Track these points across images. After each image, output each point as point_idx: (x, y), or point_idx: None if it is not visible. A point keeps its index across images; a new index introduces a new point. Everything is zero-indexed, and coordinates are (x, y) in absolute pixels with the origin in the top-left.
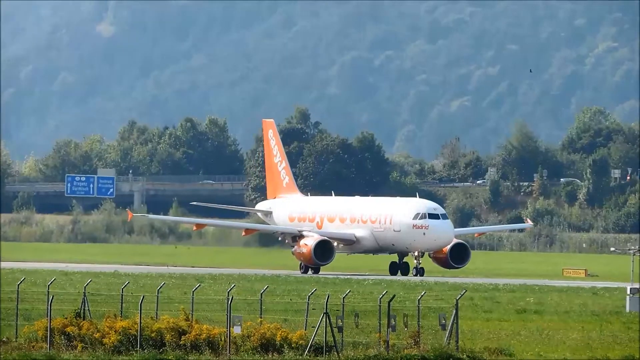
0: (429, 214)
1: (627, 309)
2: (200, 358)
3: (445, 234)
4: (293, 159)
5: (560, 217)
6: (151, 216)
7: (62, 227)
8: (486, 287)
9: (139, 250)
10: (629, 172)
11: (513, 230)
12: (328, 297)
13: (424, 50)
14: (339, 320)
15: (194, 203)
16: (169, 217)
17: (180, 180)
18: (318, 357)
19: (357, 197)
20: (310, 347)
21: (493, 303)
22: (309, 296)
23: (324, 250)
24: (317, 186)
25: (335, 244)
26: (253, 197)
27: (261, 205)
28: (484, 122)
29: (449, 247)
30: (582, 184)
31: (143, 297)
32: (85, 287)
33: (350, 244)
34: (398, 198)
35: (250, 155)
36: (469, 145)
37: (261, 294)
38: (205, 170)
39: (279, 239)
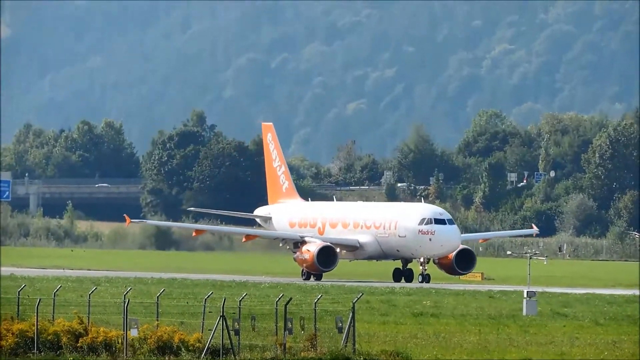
0: (435, 219)
1: (524, 313)
2: None
3: (452, 239)
4: (189, 163)
5: (456, 221)
6: (150, 222)
7: None
8: (382, 290)
9: (35, 253)
10: (525, 176)
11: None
12: (224, 300)
13: (320, 52)
14: (236, 323)
15: (191, 209)
16: (167, 223)
17: (76, 183)
18: None
19: (360, 202)
20: (207, 350)
21: (390, 306)
22: (205, 299)
23: (327, 256)
24: (213, 189)
25: (338, 250)
26: (149, 199)
27: (260, 211)
28: (381, 125)
29: (454, 252)
30: (478, 187)
31: (40, 300)
32: None
33: (354, 250)
34: (403, 203)
35: (146, 158)
36: (365, 148)
37: (157, 297)
38: (102, 174)
39: (280, 245)
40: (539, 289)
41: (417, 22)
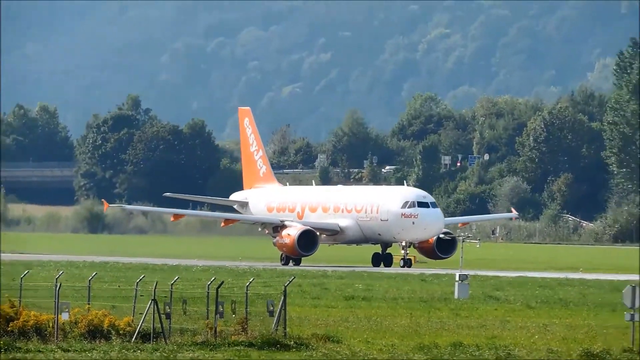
0: (418, 202)
1: (456, 296)
2: (27, 344)
3: (436, 223)
4: (123, 146)
5: None
6: (128, 207)
7: None
8: (314, 274)
9: None
10: (459, 159)
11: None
12: (156, 283)
13: (256, 36)
14: (167, 307)
15: (167, 194)
16: (146, 208)
17: (10, 167)
18: (145, 344)
19: (340, 186)
20: (138, 334)
21: (321, 289)
22: (137, 282)
23: (307, 240)
24: (147, 173)
25: (318, 234)
26: (83, 183)
27: (236, 196)
28: (316, 109)
29: (435, 237)
30: (412, 170)
31: None
32: None
33: (334, 234)
34: (384, 186)
35: (81, 142)
36: (300, 132)
37: (89, 280)
38: (36, 157)
39: (259, 229)
40: (471, 272)
41: (353, 7)
